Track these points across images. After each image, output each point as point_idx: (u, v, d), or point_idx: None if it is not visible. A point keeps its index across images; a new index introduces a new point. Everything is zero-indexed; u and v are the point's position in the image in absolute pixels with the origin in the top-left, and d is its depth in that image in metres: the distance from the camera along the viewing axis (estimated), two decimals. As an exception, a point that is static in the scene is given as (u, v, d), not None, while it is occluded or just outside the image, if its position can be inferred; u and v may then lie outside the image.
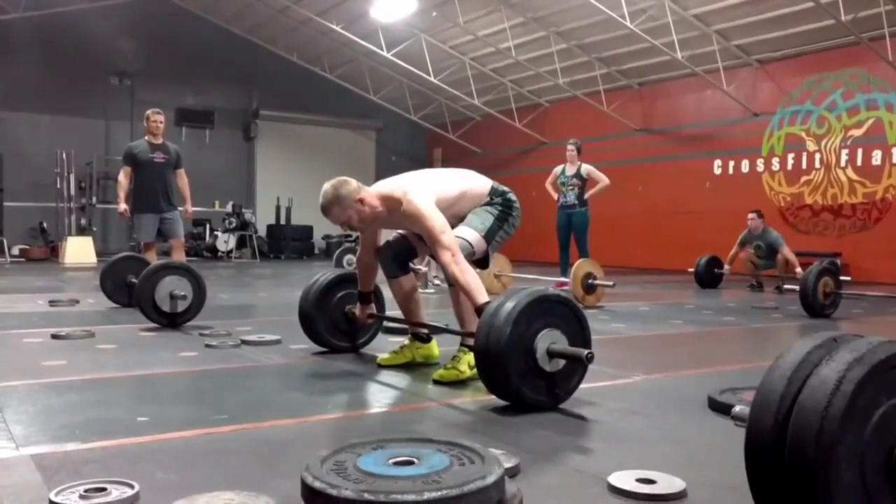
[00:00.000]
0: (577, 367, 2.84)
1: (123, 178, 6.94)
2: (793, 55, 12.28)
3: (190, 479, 1.94)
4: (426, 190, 3.37)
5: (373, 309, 3.91)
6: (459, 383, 3.25)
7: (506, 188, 3.62)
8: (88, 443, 2.26)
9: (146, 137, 7.03)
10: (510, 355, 2.67)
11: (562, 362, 2.78)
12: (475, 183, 3.58)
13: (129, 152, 7.00)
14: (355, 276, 3.94)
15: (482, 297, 3.04)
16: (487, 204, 3.51)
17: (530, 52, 14.61)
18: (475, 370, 3.08)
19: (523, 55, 14.58)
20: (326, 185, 3.34)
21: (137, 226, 7.14)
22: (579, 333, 2.86)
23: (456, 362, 3.32)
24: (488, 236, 3.42)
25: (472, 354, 3.13)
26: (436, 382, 3.25)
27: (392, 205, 3.35)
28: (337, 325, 4.02)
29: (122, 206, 6.97)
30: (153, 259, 6.50)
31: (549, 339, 2.75)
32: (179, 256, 7.03)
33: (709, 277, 9.84)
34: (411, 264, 3.81)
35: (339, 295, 4.01)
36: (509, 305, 2.72)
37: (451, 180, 3.53)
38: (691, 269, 10.07)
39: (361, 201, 3.31)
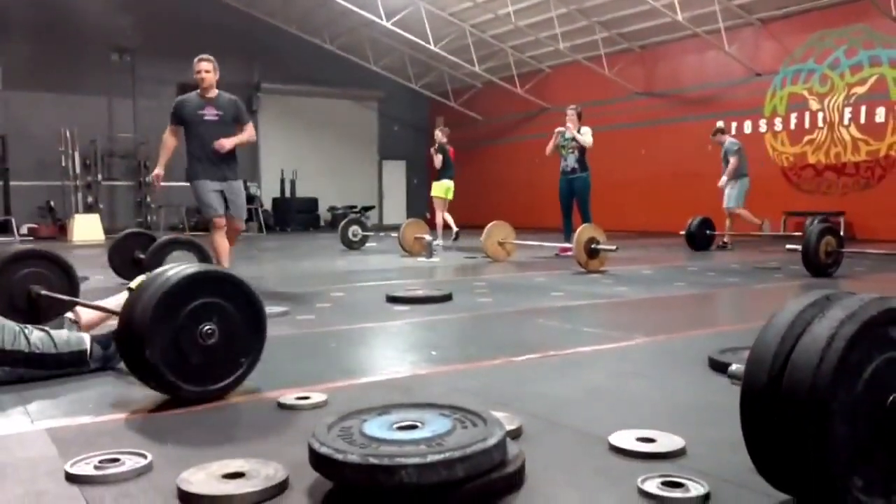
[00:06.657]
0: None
1: (168, 135, 5.82)
2: (795, 13, 12.15)
3: (201, 449, 1.99)
4: None
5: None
6: (461, 348, 3.28)
7: None
8: (101, 416, 2.32)
9: (197, 91, 5.83)
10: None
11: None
12: None
13: (174, 108, 5.83)
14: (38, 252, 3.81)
15: None
16: None
17: (530, 17, 14.49)
18: None
19: (523, 21, 14.46)
20: None
21: (197, 197, 5.92)
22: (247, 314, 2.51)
23: None
24: None
25: None
26: None
27: None
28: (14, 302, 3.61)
29: (156, 171, 5.90)
30: (223, 241, 5.75)
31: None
32: (232, 240, 6.02)
33: (702, 239, 9.70)
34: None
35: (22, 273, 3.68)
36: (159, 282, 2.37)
37: None
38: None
39: None
